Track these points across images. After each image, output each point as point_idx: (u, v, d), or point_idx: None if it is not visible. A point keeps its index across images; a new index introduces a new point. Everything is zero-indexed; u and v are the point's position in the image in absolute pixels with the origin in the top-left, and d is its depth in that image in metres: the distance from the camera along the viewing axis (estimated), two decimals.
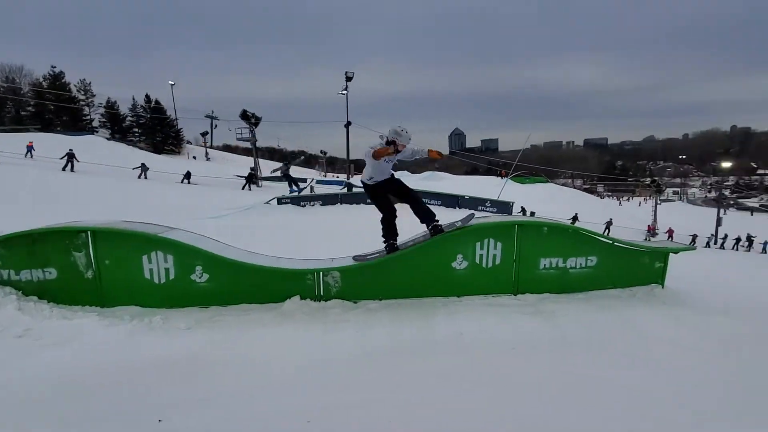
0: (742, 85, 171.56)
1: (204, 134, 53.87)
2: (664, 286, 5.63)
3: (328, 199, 16.35)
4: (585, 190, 70.15)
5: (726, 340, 4.08)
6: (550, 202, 30.70)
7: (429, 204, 15.96)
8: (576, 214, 22.44)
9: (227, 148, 62.87)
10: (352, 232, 10.37)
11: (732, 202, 63.39)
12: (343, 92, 22.82)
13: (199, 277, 4.49)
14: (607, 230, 20.79)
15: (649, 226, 25.81)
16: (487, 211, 16.66)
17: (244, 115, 27.14)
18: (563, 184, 65.74)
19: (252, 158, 28.75)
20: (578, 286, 5.07)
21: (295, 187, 18.94)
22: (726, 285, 10.43)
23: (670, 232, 26.68)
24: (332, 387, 2.94)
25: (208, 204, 16.91)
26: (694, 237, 26.17)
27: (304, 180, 23.25)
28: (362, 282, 4.71)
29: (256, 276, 4.54)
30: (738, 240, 27.82)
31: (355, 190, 24.99)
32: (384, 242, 4.69)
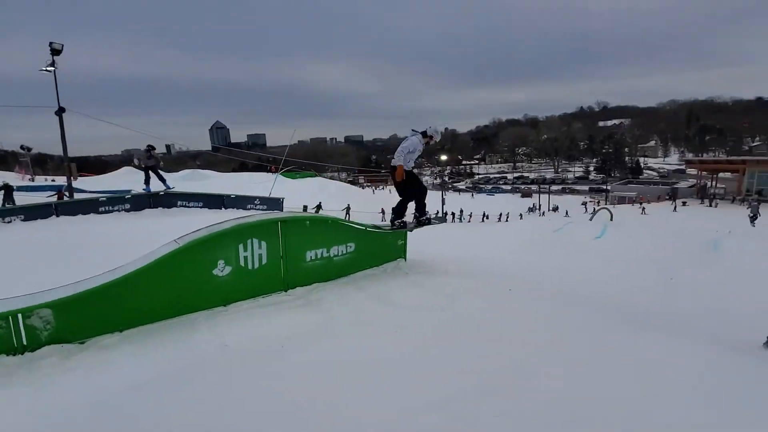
0: (451, 97, 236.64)
1: None
2: (406, 259, 7.08)
3: (34, 212, 11.97)
4: (349, 182, 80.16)
5: (449, 294, 5.51)
6: (320, 195, 33.39)
7: (187, 207, 14.10)
8: (320, 202, 24.51)
9: None
10: (90, 250, 8.03)
11: (450, 186, 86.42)
12: (48, 69, 16.79)
13: None
14: (347, 214, 23.35)
15: (382, 208, 29.58)
16: (257, 209, 16.45)
17: None
18: (331, 178, 72.71)
19: None
20: (342, 272, 5.71)
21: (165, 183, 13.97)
22: (449, 252, 14.11)
23: (383, 212, 31.08)
24: None
25: None
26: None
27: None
28: (89, 314, 3.73)
29: None
30: (454, 213, 38.48)
31: (81, 196, 19.59)
32: (421, 218, 5.97)
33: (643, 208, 41.75)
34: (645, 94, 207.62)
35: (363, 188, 71.44)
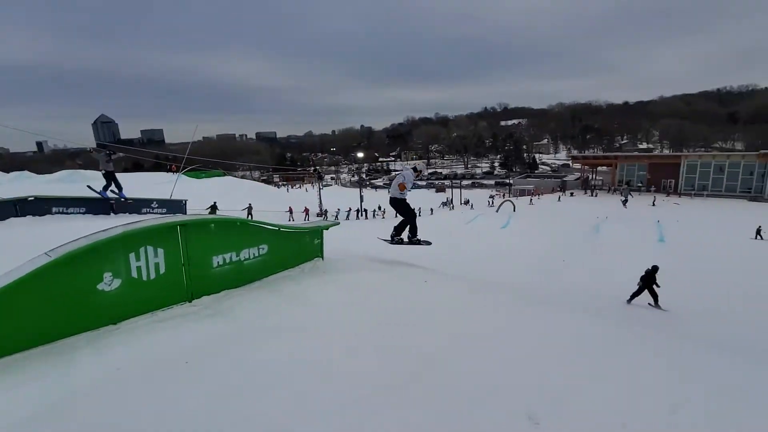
0: (366, 94, 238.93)
1: None
2: (323, 257, 7.01)
3: None
4: (263, 181, 76.64)
5: (366, 289, 5.59)
6: (230, 195, 31.40)
7: (65, 214, 12.28)
8: (215, 202, 22.79)
9: None
10: None
11: (368, 183, 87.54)
12: None
13: None
14: (249, 215, 22.02)
15: (290, 207, 28.29)
16: (155, 213, 14.86)
17: None
18: (242, 177, 68.85)
19: None
20: (256, 275, 5.44)
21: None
22: (367, 248, 14.28)
23: (306, 211, 30.22)
24: None
25: None
26: (341, 212, 34.27)
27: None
28: None
29: None
30: (375, 210, 39.10)
31: None
32: (412, 238, 6.85)
33: (531, 199, 46.90)
34: (538, 97, 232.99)
35: (278, 187, 68.86)
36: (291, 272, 6.05)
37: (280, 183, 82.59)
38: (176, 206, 16.27)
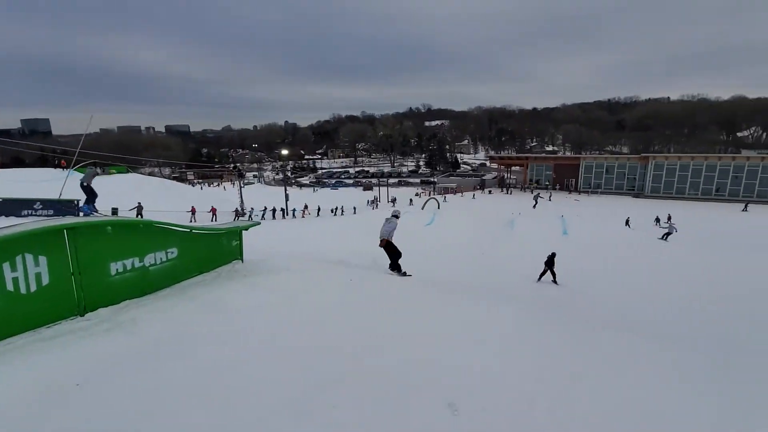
0: (289, 89, 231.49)
1: None
2: (243, 260, 6.66)
3: None
4: (175, 178, 70.46)
5: (290, 291, 5.42)
6: (136, 194, 28.36)
7: None
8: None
9: None
10: None
11: (293, 181, 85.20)
12: None
13: None
14: (139, 215, 19.99)
15: (192, 207, 25.74)
16: (38, 216, 12.88)
17: None
18: (150, 173, 62.74)
19: None
20: (164, 282, 4.98)
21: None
22: (292, 248, 13.91)
23: (213, 211, 27.87)
24: None
25: None
26: (267, 210, 33.03)
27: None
28: None
29: None
30: (294, 209, 38.26)
31: None
32: (402, 271, 7.86)
33: (445, 197, 49.68)
34: (459, 100, 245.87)
35: (193, 185, 63.96)
36: (206, 277, 5.65)
37: (195, 181, 76.71)
38: (67, 207, 14.27)
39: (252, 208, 32.54)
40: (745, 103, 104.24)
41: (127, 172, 39.56)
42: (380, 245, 8.14)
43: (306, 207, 38.77)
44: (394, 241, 8.22)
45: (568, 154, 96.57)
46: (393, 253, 8.03)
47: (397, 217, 8.32)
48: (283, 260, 7.63)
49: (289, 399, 2.91)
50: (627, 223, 28.41)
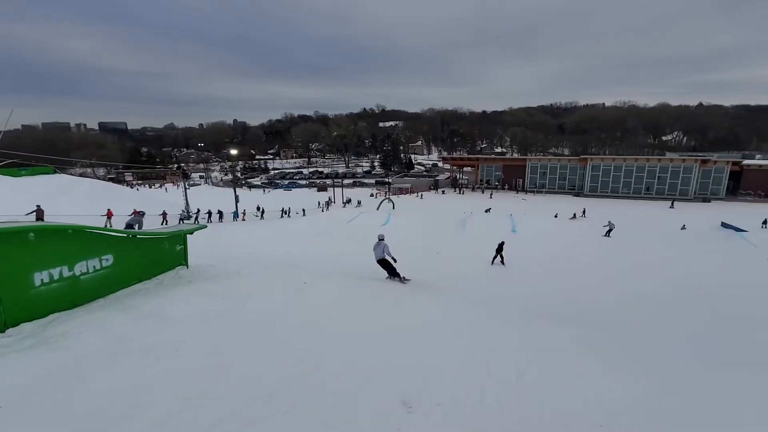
0: (238, 87, 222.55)
1: None
2: (188, 265, 6.36)
3: None
4: (111, 179, 65.43)
5: (240, 296, 5.23)
6: (64, 197, 26.01)
7: None
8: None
9: None
10: None
11: (244, 182, 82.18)
12: None
13: None
14: (39, 220, 17.57)
15: (108, 210, 22.45)
16: None
17: None
18: (81, 174, 57.88)
19: None
20: (98, 292, 4.64)
21: None
22: (241, 251, 13.44)
23: (164, 215, 24.86)
24: None
25: None
26: (212, 213, 31.53)
27: None
28: None
29: None
30: (243, 211, 37.04)
31: None
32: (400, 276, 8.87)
33: (383, 195, 50.46)
34: (412, 102, 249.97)
35: (132, 187, 59.78)
36: (147, 285, 5.32)
37: (134, 182, 71.74)
38: None
39: (198, 210, 30.96)
40: (668, 109, 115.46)
41: (54, 172, 36.16)
42: (377, 262, 9.12)
43: (258, 208, 37.58)
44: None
45: (515, 155, 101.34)
46: (388, 266, 9.02)
47: (382, 239, 9.23)
48: (232, 264, 7.37)
49: (235, 411, 2.82)
50: (575, 216, 33.14)
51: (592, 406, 3.28)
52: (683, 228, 27.30)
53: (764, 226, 27.17)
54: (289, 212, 37.39)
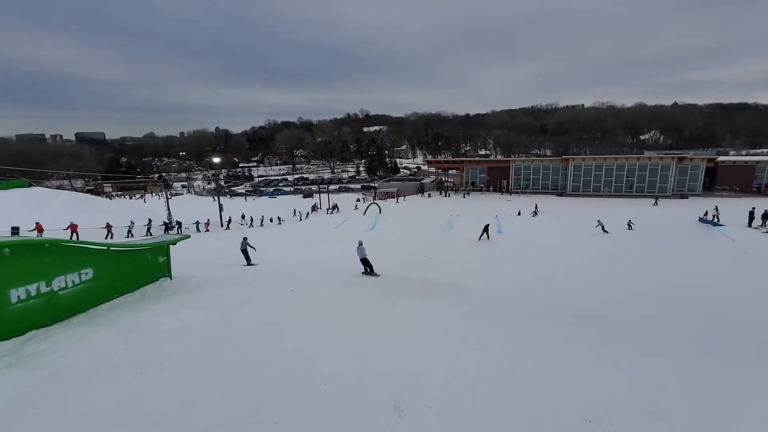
0: (219, 94, 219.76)
1: None
2: (171, 277, 6.25)
3: None
4: (89, 191, 63.83)
5: (225, 307, 5.16)
6: (42, 211, 25.27)
7: None
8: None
9: None
10: None
11: (228, 190, 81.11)
12: None
13: None
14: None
15: (72, 224, 19.83)
16: None
17: None
18: (58, 187, 56.33)
19: None
20: (78, 307, 4.53)
21: None
22: (229, 260, 13.25)
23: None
24: None
25: None
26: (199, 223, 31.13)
27: None
28: None
29: None
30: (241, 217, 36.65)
31: None
32: (374, 272, 10.70)
33: (370, 203, 50.65)
34: (396, 106, 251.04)
35: (111, 198, 58.45)
36: (129, 298, 5.22)
37: (113, 193, 70.11)
38: None
39: (179, 222, 30.36)
40: (645, 109, 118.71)
41: (30, 185, 35.08)
42: (361, 261, 11.04)
43: (243, 216, 37.18)
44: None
45: (499, 157, 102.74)
46: (367, 263, 11.01)
47: (361, 244, 11.31)
48: (217, 273, 7.28)
49: (226, 420, 2.79)
50: (519, 213, 34.32)
51: (582, 403, 3.34)
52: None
53: (763, 223, 22.59)
54: (280, 220, 37.18)
